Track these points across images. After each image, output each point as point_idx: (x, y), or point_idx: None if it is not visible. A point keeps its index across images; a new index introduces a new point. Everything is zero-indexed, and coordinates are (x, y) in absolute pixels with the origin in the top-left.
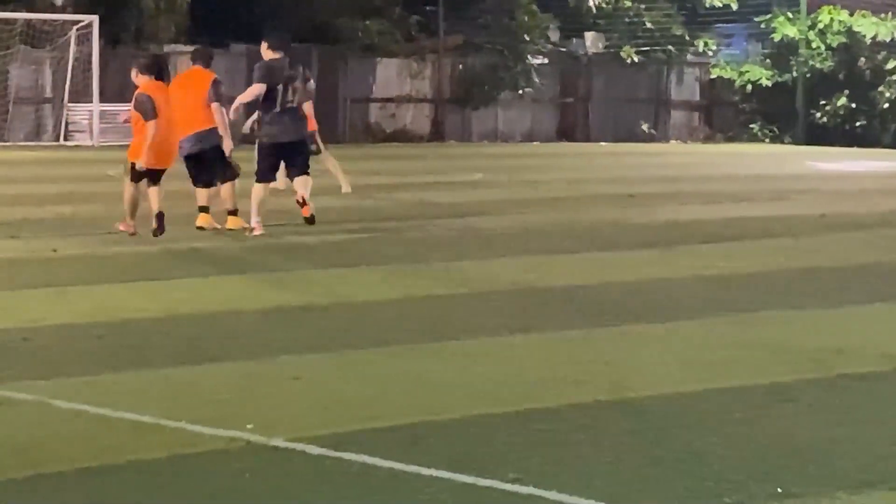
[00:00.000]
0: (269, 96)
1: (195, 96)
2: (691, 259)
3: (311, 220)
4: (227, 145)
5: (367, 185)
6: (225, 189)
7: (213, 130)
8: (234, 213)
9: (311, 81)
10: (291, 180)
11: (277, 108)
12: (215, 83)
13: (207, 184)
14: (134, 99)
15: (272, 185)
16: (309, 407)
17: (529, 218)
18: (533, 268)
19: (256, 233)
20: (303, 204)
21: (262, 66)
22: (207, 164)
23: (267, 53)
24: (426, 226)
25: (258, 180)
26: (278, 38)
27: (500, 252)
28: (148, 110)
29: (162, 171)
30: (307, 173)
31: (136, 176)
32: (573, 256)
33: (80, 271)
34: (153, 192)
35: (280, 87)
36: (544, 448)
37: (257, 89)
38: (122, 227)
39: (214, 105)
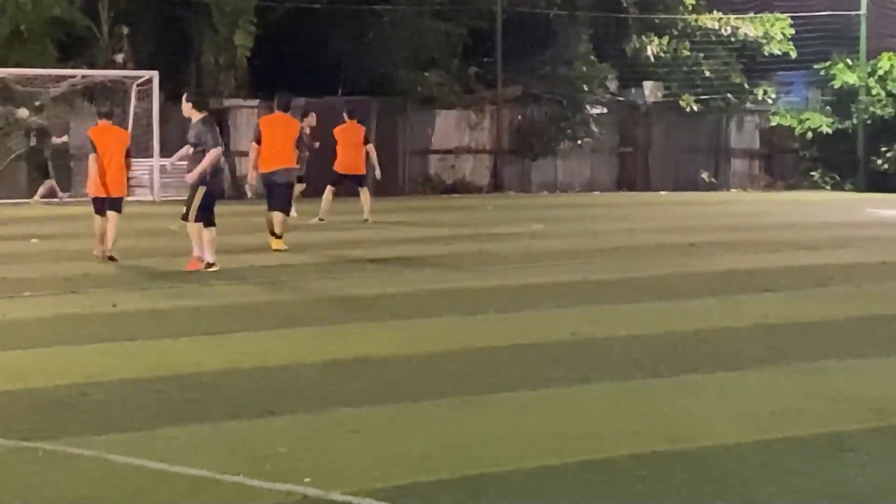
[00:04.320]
0: None
1: (284, 139)
2: (752, 308)
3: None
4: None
5: (427, 237)
6: (277, 216)
7: (293, 169)
8: (279, 236)
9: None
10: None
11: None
12: (301, 131)
13: (284, 210)
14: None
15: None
16: (368, 460)
17: (588, 268)
18: (592, 318)
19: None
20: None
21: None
22: (283, 195)
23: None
24: (485, 277)
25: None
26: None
27: (558, 302)
28: (89, 148)
29: (115, 200)
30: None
31: (96, 207)
32: (633, 306)
33: (139, 326)
34: (112, 217)
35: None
36: (602, 499)
37: None
38: (94, 252)
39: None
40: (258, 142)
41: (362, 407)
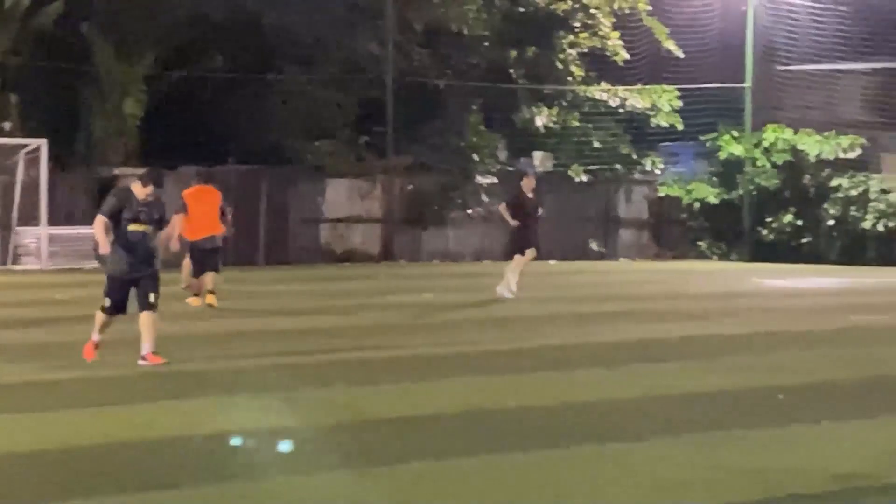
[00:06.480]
0: None
1: (211, 208)
2: (643, 378)
3: None
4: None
5: (318, 307)
6: (212, 276)
7: (218, 236)
8: (213, 292)
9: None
10: None
11: None
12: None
13: (215, 269)
14: None
15: None
16: None
17: (479, 337)
18: (482, 388)
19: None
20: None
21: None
22: (212, 259)
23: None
24: (376, 347)
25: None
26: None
27: (448, 373)
28: None
29: None
30: None
31: None
32: (524, 376)
33: (25, 398)
34: None
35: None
36: None
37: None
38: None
39: (225, 217)
40: (184, 212)
41: (252, 481)
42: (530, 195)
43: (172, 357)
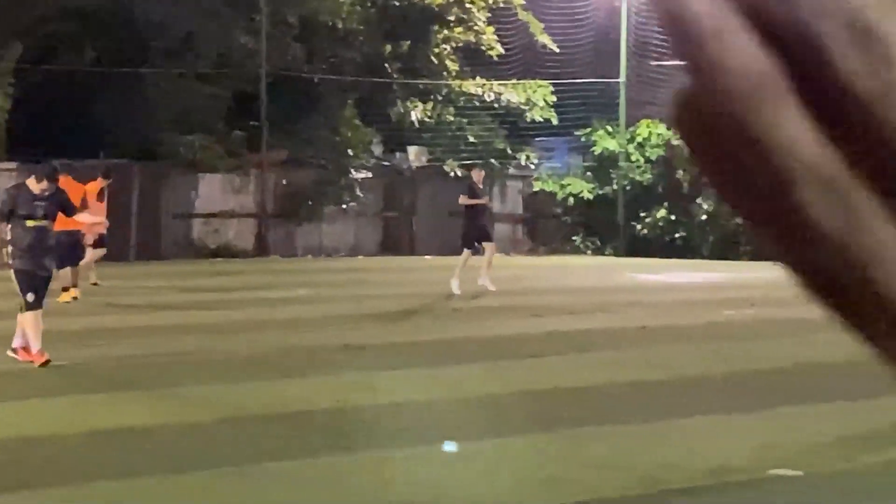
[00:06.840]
0: None
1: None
2: (516, 374)
3: None
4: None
5: (190, 302)
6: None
7: (76, 231)
8: (68, 289)
9: None
10: None
11: None
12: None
13: (74, 264)
14: None
15: None
16: None
17: (353, 334)
18: (356, 385)
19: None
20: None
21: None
22: (74, 251)
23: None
24: (249, 343)
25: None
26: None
27: (323, 369)
28: None
29: None
30: None
31: None
32: (394, 373)
33: None
34: None
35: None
36: None
37: None
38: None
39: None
40: None
41: (124, 479)
42: (481, 186)
43: (55, 354)
